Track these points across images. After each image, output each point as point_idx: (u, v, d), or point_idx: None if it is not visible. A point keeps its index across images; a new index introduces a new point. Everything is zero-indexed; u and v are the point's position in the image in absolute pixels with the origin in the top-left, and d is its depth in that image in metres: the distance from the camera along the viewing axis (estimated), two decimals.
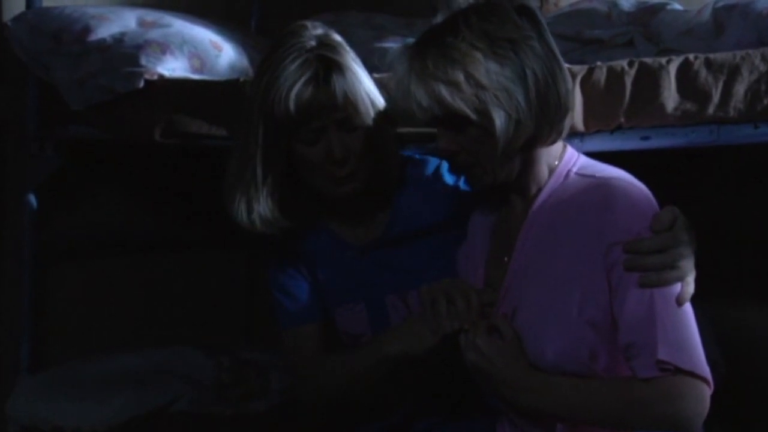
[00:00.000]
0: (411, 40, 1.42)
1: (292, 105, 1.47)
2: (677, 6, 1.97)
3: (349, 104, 1.51)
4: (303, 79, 1.48)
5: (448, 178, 1.67)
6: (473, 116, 1.32)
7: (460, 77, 1.30)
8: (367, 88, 1.55)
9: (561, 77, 1.35)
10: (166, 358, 2.47)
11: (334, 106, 1.50)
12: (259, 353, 2.59)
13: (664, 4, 1.95)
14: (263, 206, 1.56)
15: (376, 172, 1.59)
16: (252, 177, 1.55)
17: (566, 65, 1.52)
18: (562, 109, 1.35)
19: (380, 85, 1.62)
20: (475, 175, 1.42)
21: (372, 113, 1.55)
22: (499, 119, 1.30)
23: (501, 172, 1.39)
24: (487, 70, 1.30)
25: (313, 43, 1.52)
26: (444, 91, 1.31)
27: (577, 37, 1.94)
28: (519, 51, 1.31)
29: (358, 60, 1.58)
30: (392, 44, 2.09)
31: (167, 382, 2.34)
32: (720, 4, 1.74)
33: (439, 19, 1.38)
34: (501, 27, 1.32)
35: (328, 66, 1.50)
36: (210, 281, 2.96)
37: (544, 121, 1.34)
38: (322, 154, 1.52)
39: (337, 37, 1.57)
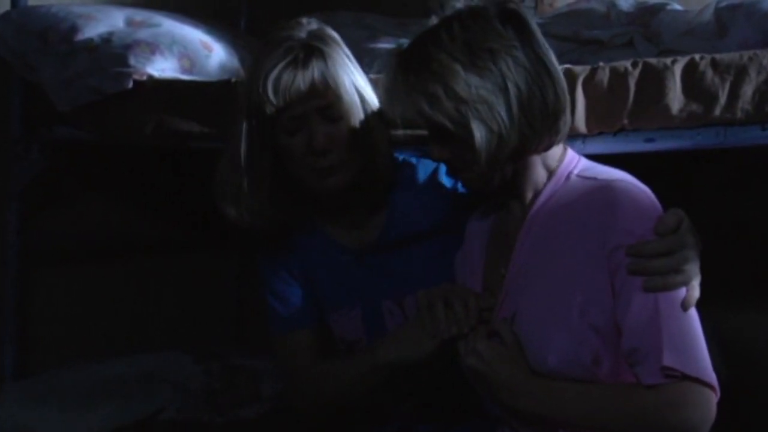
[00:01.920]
0: (404, 41, 1.42)
1: (269, 88, 1.46)
2: (677, 6, 1.95)
3: (330, 91, 1.49)
4: (282, 64, 1.47)
5: (446, 181, 1.65)
6: (453, 129, 1.30)
7: (439, 90, 1.29)
8: (356, 81, 1.53)
9: (549, 85, 1.32)
10: (155, 364, 2.44)
11: (314, 92, 1.48)
12: (249, 359, 2.56)
13: (664, 4, 1.93)
14: (251, 197, 1.55)
15: (366, 170, 1.56)
16: (239, 169, 1.54)
17: (567, 66, 1.51)
18: (551, 117, 1.33)
19: (375, 85, 1.59)
20: (468, 179, 1.41)
21: (360, 107, 1.53)
22: (479, 133, 1.29)
23: (492, 178, 1.37)
24: (467, 82, 1.29)
25: (302, 35, 1.51)
26: (424, 104, 1.31)
27: (575, 38, 1.92)
28: (499, 62, 1.29)
29: (350, 56, 1.56)
30: (385, 45, 2.10)
31: (155, 389, 2.31)
32: (723, 4, 1.72)
33: (433, 21, 1.37)
34: (482, 36, 1.31)
35: (309, 51, 1.48)
36: (199, 285, 2.93)
37: (530, 131, 1.32)
38: (303, 144, 1.50)
39: (332, 33, 1.56)
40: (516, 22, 1.33)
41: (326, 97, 1.49)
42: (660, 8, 1.92)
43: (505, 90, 1.29)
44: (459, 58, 1.29)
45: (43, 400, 2.22)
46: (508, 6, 1.34)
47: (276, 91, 1.47)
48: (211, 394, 2.37)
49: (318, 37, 1.52)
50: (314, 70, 1.48)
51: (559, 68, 1.36)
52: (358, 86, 1.53)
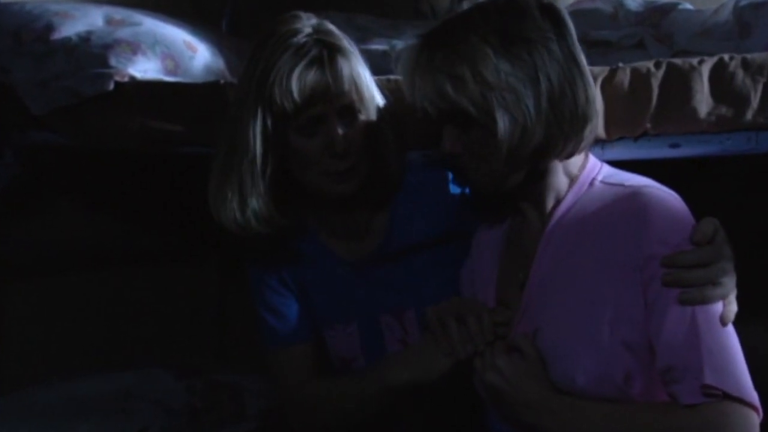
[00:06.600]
0: (397, 42, 1.34)
1: (294, 87, 1.40)
2: (688, 6, 1.91)
3: (354, 89, 1.45)
4: (305, 61, 1.41)
5: (452, 188, 1.58)
6: (476, 115, 1.25)
7: (466, 72, 1.24)
8: (370, 78, 1.49)
9: (581, 85, 1.27)
10: (134, 381, 2.37)
11: (340, 91, 1.43)
12: (232, 375, 2.51)
13: (675, 4, 1.90)
14: (260, 202, 1.47)
15: (375, 171, 1.51)
16: (248, 172, 1.46)
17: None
18: (579, 119, 1.27)
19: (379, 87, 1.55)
20: (478, 180, 1.35)
21: (374, 106, 1.49)
22: (502, 122, 1.24)
23: (506, 180, 1.32)
24: (497, 68, 1.24)
25: (309, 29, 1.45)
26: (448, 86, 1.26)
27: (583, 38, 1.85)
28: (534, 52, 1.25)
29: (357, 51, 1.51)
30: (377, 46, 2.07)
31: (135, 408, 2.24)
32: (743, 2, 1.69)
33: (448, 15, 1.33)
34: (519, 24, 1.26)
35: (330, 48, 1.43)
36: (179, 298, 2.87)
37: (557, 130, 1.26)
38: (320, 146, 1.44)
39: (333, 27, 1.50)
40: (554, 16, 1.28)
41: (349, 96, 1.44)
42: (671, 8, 1.89)
43: (536, 82, 1.24)
44: (491, 42, 1.24)
45: (14, 421, 2.14)
46: (547, 0, 1.30)
47: (301, 91, 1.40)
48: (194, 412, 2.31)
49: (327, 32, 1.46)
50: (341, 68, 1.42)
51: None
52: (371, 83, 1.49)
